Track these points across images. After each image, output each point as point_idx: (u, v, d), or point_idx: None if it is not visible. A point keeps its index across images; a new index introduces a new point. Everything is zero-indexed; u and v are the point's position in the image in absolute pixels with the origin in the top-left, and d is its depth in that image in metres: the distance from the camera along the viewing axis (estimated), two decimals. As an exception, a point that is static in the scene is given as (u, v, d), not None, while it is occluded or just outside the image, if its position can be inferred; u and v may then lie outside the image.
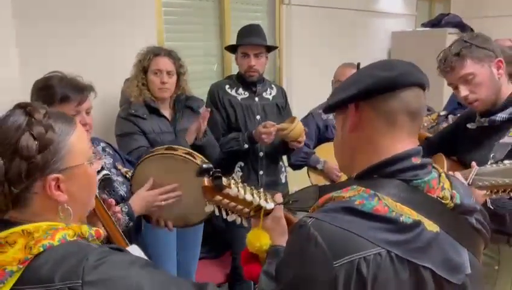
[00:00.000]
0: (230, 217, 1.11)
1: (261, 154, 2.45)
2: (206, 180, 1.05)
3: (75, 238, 0.87)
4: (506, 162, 1.42)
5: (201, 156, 1.79)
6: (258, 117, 2.44)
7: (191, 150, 1.80)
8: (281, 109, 2.56)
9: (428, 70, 3.32)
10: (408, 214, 0.83)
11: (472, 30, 5.07)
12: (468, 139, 1.73)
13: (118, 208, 1.45)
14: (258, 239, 1.08)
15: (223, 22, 3.28)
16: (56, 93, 1.52)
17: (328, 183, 2.75)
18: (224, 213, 1.10)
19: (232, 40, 3.25)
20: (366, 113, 0.91)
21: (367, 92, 0.89)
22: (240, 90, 2.47)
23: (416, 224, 0.83)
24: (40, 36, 2.11)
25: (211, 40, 3.29)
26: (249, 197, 1.07)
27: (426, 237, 0.83)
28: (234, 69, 3.34)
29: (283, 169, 2.63)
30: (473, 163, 1.52)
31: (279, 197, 1.15)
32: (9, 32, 1.69)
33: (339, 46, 4.26)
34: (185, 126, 2.18)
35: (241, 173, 2.43)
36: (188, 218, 1.83)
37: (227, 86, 2.47)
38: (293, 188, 2.41)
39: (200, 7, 3.18)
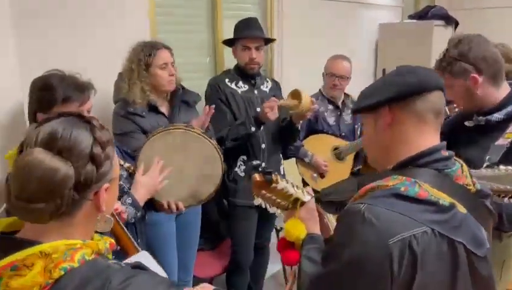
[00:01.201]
0: (272, 210, 1.24)
1: (263, 146, 2.48)
2: (258, 176, 1.20)
3: (93, 256, 0.87)
4: (501, 167, 1.46)
5: (198, 128, 1.85)
6: (258, 109, 2.47)
7: (189, 124, 1.86)
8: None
9: (415, 62, 3.38)
10: (443, 198, 0.97)
11: (457, 23, 5.16)
12: (465, 137, 1.78)
13: (121, 208, 1.45)
14: (296, 229, 1.19)
15: (215, 13, 3.25)
16: (58, 93, 1.51)
17: (315, 174, 2.82)
18: (268, 206, 1.23)
19: (225, 32, 3.24)
20: (398, 114, 1.05)
21: (400, 96, 1.04)
22: (240, 83, 2.49)
23: (452, 206, 0.97)
24: (36, 29, 2.07)
25: (203, 32, 3.26)
26: (292, 190, 1.21)
27: (459, 217, 0.98)
28: (227, 62, 3.34)
29: (281, 161, 2.67)
30: None
31: (310, 190, 1.30)
32: (7, 24, 1.65)
33: (328, 37, 4.27)
34: (181, 121, 2.17)
35: (244, 167, 2.45)
36: (198, 194, 1.90)
37: (226, 80, 2.49)
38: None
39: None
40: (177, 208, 1.83)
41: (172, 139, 1.80)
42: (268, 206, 1.24)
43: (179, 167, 1.80)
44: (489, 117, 1.67)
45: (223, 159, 1.92)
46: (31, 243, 0.83)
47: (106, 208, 0.91)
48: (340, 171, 2.87)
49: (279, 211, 1.26)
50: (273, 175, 1.19)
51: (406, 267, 0.91)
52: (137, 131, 2.05)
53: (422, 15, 4.99)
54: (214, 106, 2.19)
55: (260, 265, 2.83)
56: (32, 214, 0.83)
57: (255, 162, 1.25)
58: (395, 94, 1.04)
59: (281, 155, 2.68)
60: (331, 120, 2.91)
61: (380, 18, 5.18)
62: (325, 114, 2.89)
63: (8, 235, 0.90)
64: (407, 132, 1.05)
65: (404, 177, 0.99)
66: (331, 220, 1.31)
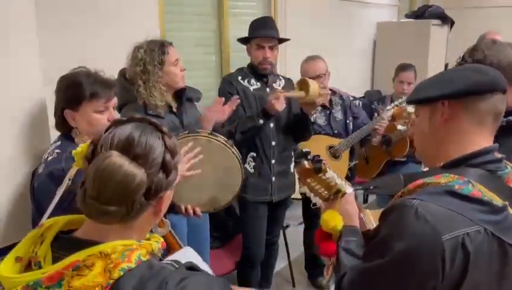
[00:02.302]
0: (314, 200, 1.23)
1: (273, 143, 2.50)
2: (307, 163, 1.18)
3: (148, 257, 0.88)
4: None
5: (221, 136, 1.87)
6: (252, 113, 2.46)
7: (212, 131, 1.87)
8: (288, 98, 2.61)
9: (413, 61, 3.45)
10: (496, 199, 0.96)
11: (453, 22, 5.24)
12: None
13: None
14: (334, 219, 1.18)
15: (221, 12, 3.26)
16: (85, 90, 1.51)
17: None
18: (311, 195, 1.23)
19: (230, 30, 3.26)
20: (458, 110, 1.03)
21: (463, 93, 1.02)
22: (252, 80, 2.50)
23: (504, 208, 0.97)
24: (58, 27, 2.07)
25: (209, 30, 3.28)
26: (338, 181, 1.20)
27: (510, 219, 0.97)
28: (232, 59, 3.36)
29: (292, 158, 2.69)
30: None
31: (349, 183, 1.29)
32: (31, 23, 1.65)
33: (328, 36, 4.31)
34: (189, 119, 2.17)
35: (254, 163, 2.46)
36: (216, 201, 1.91)
37: (239, 77, 2.50)
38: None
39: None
40: (194, 213, 1.83)
41: (196, 145, 1.80)
42: (312, 196, 1.24)
43: (201, 174, 1.80)
44: (510, 118, 1.69)
45: (243, 170, 1.94)
46: (91, 243, 0.85)
47: (163, 213, 0.94)
48: (337, 169, 2.84)
49: (320, 201, 1.25)
50: (322, 164, 1.18)
51: (458, 265, 0.91)
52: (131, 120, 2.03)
53: (419, 14, 5.05)
54: (237, 96, 2.19)
55: (269, 261, 2.85)
56: (105, 215, 0.84)
57: (304, 150, 1.21)
58: (455, 90, 1.02)
59: (292, 153, 2.69)
60: (322, 121, 2.93)
61: (377, 17, 5.24)
62: (315, 115, 2.90)
63: (66, 233, 0.92)
64: (464, 131, 1.04)
65: (456, 176, 0.98)
66: (368, 215, 1.32)
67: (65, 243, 0.88)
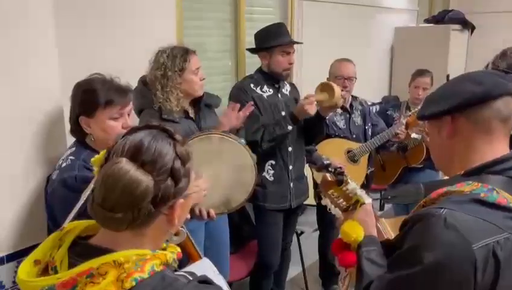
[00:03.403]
0: (334, 211, 1.23)
1: (290, 149, 2.50)
2: (329, 176, 1.21)
3: (161, 267, 0.87)
4: None
5: (234, 135, 1.87)
6: (283, 113, 2.48)
7: (225, 131, 1.87)
8: (297, 102, 2.60)
9: (432, 66, 3.42)
10: None
11: (473, 27, 5.15)
12: None
13: None
14: (354, 231, 1.18)
15: (237, 18, 3.26)
16: (100, 96, 1.52)
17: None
18: (332, 207, 1.24)
19: (248, 35, 3.26)
20: (462, 123, 1.05)
21: (462, 106, 1.03)
22: (265, 87, 2.51)
23: None
24: (75, 32, 2.10)
25: (226, 36, 3.28)
26: (359, 191, 1.21)
27: None
28: (248, 65, 3.36)
29: (305, 163, 2.68)
30: None
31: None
32: (49, 31, 1.67)
33: (345, 41, 4.28)
34: (208, 125, 2.17)
35: (273, 171, 2.45)
36: (230, 201, 1.91)
37: (251, 85, 2.50)
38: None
39: (214, 1, 3.16)
40: (209, 215, 1.83)
41: (209, 145, 1.80)
42: (332, 207, 1.24)
43: (214, 173, 1.81)
44: None
45: (256, 168, 1.92)
46: (104, 251, 0.85)
47: (178, 222, 0.92)
48: (355, 174, 2.85)
49: (340, 212, 1.24)
50: (344, 176, 1.20)
51: (489, 274, 0.91)
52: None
53: (439, 19, 4.98)
54: (251, 102, 2.20)
55: (283, 267, 2.84)
56: (111, 222, 0.84)
57: (326, 162, 1.25)
58: (457, 104, 1.04)
59: (304, 158, 2.68)
60: (341, 123, 2.91)
61: (396, 22, 5.18)
62: (335, 118, 2.89)
63: (83, 239, 0.92)
64: (472, 141, 1.05)
65: (480, 183, 0.99)
66: (384, 223, 1.30)
67: (81, 249, 0.88)
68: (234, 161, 1.87)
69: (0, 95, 1.55)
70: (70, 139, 1.74)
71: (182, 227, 0.96)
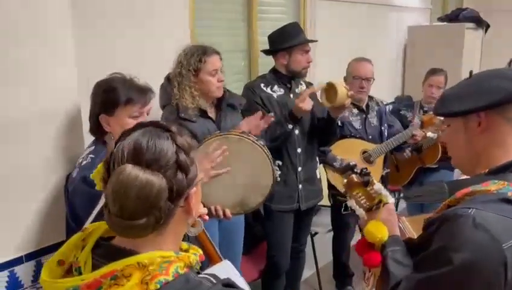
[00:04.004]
0: (358, 211, 1.23)
1: (299, 150, 2.48)
2: (355, 177, 1.22)
3: (185, 270, 0.86)
4: None
5: (253, 136, 1.86)
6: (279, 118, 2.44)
7: (244, 131, 1.86)
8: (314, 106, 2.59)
9: (445, 65, 3.38)
10: None
11: (488, 25, 5.09)
12: None
13: (203, 210, 1.43)
14: (379, 231, 1.18)
15: (250, 18, 3.26)
16: (121, 95, 1.53)
17: (345, 180, 2.76)
18: (356, 207, 1.24)
19: (261, 34, 3.25)
20: (495, 120, 1.06)
21: (500, 103, 1.03)
22: (275, 87, 2.49)
23: None
24: (94, 33, 2.11)
25: (238, 35, 3.28)
26: (384, 191, 1.21)
27: None
28: (261, 65, 3.35)
29: (318, 164, 2.66)
30: None
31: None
32: (67, 31, 1.68)
33: (358, 40, 4.25)
34: (228, 125, 2.17)
35: (279, 172, 2.44)
36: (246, 202, 1.90)
37: (262, 84, 2.48)
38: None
39: (228, 1, 3.16)
40: (224, 215, 1.82)
41: (226, 145, 1.79)
42: (357, 208, 1.24)
43: (231, 174, 1.80)
44: None
45: (274, 171, 1.91)
46: (129, 253, 0.84)
47: (195, 211, 0.91)
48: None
49: (363, 212, 1.24)
50: (370, 177, 1.21)
51: None
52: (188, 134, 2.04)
53: (453, 17, 4.93)
54: (272, 114, 2.19)
55: (296, 269, 2.82)
56: (135, 230, 0.83)
57: (351, 163, 1.24)
58: (496, 100, 1.04)
59: (317, 159, 2.66)
60: (357, 124, 2.88)
61: (409, 21, 5.14)
62: (351, 118, 2.85)
63: (106, 240, 0.92)
64: (503, 138, 1.06)
65: (506, 182, 0.99)
66: (405, 222, 1.30)
67: (104, 250, 0.88)
68: (252, 162, 1.86)
69: (19, 96, 1.56)
70: (88, 138, 1.75)
71: (198, 219, 0.93)
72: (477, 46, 5.07)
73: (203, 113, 2.09)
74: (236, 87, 3.22)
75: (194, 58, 2.01)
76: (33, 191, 1.65)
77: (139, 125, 0.89)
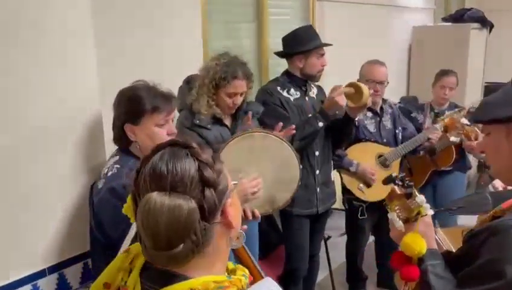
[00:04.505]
0: (398, 223, 1.19)
1: (317, 153, 2.46)
2: (398, 189, 1.18)
3: None
4: None
5: (277, 132, 1.84)
6: (310, 116, 2.43)
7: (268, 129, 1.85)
8: None
9: (451, 66, 3.35)
10: None
11: (492, 25, 5.08)
12: None
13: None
14: (417, 244, 1.14)
15: (261, 19, 3.23)
16: (147, 103, 1.50)
17: (361, 184, 2.75)
18: (397, 219, 1.20)
19: (271, 38, 3.23)
20: None
21: None
22: (292, 90, 2.47)
23: None
24: (112, 41, 2.09)
25: (248, 37, 3.25)
26: (426, 204, 1.17)
27: None
28: (270, 67, 3.32)
29: (332, 167, 2.64)
30: None
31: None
32: (88, 40, 1.64)
33: (362, 42, 4.22)
34: None
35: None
36: (274, 200, 1.87)
37: (278, 88, 2.46)
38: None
39: (238, 3, 3.13)
40: (254, 216, 1.79)
41: (252, 143, 1.77)
42: (397, 220, 1.20)
43: (258, 171, 1.76)
44: None
45: (301, 166, 1.89)
46: (180, 277, 0.81)
47: (235, 222, 0.87)
48: None
49: (402, 224, 1.20)
50: (413, 188, 1.18)
51: None
52: (203, 144, 2.01)
53: (457, 17, 4.92)
54: (293, 126, 2.12)
55: (312, 274, 2.80)
56: (176, 259, 0.79)
57: (393, 174, 1.20)
58: None
59: (332, 163, 2.64)
60: (372, 127, 2.84)
61: (413, 21, 5.12)
62: (365, 122, 2.82)
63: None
64: None
65: None
66: (442, 235, 1.27)
67: (154, 274, 0.84)
68: (278, 159, 1.84)
69: (39, 105, 1.53)
70: (108, 148, 1.72)
71: (240, 231, 0.89)
72: (481, 46, 5.07)
73: (218, 121, 2.08)
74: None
75: (220, 74, 1.98)
76: (54, 203, 1.61)
77: (156, 149, 0.85)
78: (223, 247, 0.87)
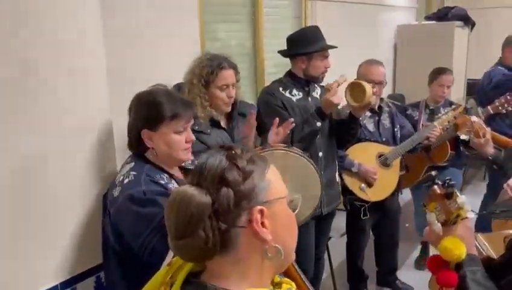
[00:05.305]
0: (437, 226, 1.14)
1: (320, 154, 2.44)
2: (438, 188, 1.11)
3: None
4: None
5: (296, 148, 1.80)
6: (308, 117, 2.41)
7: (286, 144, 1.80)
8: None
9: (437, 64, 3.38)
10: None
11: (474, 23, 5.19)
12: None
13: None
14: (457, 248, 1.09)
15: (256, 19, 3.19)
16: (166, 109, 1.43)
17: (363, 184, 2.74)
18: (436, 221, 1.14)
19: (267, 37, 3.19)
20: None
21: None
22: (294, 91, 2.44)
23: None
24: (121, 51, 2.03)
25: (243, 38, 3.20)
26: (467, 206, 1.12)
27: None
28: (267, 68, 3.28)
29: (336, 167, 2.63)
30: None
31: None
32: (99, 46, 1.57)
33: (350, 41, 4.22)
34: (241, 135, 2.10)
35: None
36: (297, 217, 1.84)
37: (280, 88, 2.43)
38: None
39: (233, 3, 3.08)
40: None
41: (273, 161, 1.73)
42: (435, 222, 1.14)
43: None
44: None
45: (322, 180, 1.86)
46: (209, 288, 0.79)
47: (274, 236, 0.82)
48: (388, 178, 2.81)
49: (440, 227, 1.15)
50: (454, 189, 1.12)
51: None
52: (204, 150, 1.96)
53: (441, 16, 5.00)
54: (292, 119, 2.10)
55: (316, 276, 2.78)
56: (183, 251, 0.80)
57: (433, 173, 1.15)
58: None
59: (336, 163, 2.63)
60: (371, 127, 2.84)
61: (397, 19, 5.17)
62: (364, 121, 2.82)
63: (194, 275, 0.85)
64: None
65: None
66: (482, 240, 1.24)
67: (195, 288, 0.81)
68: (300, 176, 1.80)
69: (50, 115, 1.45)
70: (119, 157, 1.65)
71: (276, 245, 0.85)
72: (464, 44, 5.17)
73: (216, 124, 2.03)
74: (243, 91, 3.15)
75: (207, 70, 1.94)
76: (66, 215, 1.53)
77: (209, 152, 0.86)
78: (255, 258, 0.82)
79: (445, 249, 1.11)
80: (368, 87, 2.28)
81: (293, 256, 0.90)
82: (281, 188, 0.87)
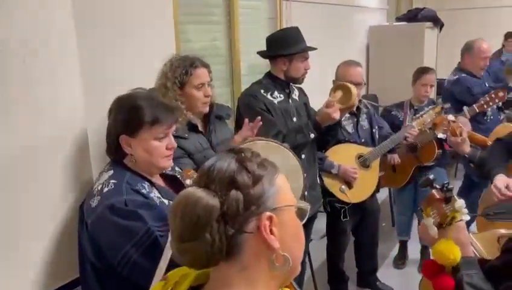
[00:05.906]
0: (432, 229, 1.13)
1: (303, 156, 2.41)
2: (437, 193, 1.11)
3: None
4: None
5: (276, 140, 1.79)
6: (294, 119, 2.41)
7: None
8: (307, 107, 2.58)
9: (408, 64, 3.44)
10: None
11: (443, 24, 5.30)
12: None
13: None
14: (451, 251, 1.08)
15: (232, 20, 3.14)
16: (147, 114, 1.36)
17: (343, 186, 2.73)
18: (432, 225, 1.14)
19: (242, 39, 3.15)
20: None
21: None
22: (275, 93, 2.41)
23: None
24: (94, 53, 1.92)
25: (218, 39, 3.14)
26: (464, 210, 1.11)
27: None
28: (243, 70, 3.23)
29: (317, 169, 2.61)
30: None
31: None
32: (70, 58, 1.49)
33: (323, 42, 4.21)
34: (218, 138, 2.06)
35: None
36: None
37: (262, 90, 2.39)
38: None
39: (208, 4, 3.02)
40: None
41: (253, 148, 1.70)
42: (432, 227, 1.13)
43: None
44: None
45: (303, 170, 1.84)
46: None
47: (282, 245, 0.79)
48: (368, 179, 2.81)
49: (436, 230, 1.14)
50: (452, 193, 1.11)
51: None
52: (184, 156, 1.89)
53: (411, 17, 5.08)
54: (259, 117, 2.09)
55: (301, 278, 2.75)
56: (187, 254, 0.76)
57: (431, 176, 1.14)
58: None
59: (317, 165, 2.61)
60: (350, 128, 2.84)
61: (369, 21, 5.23)
62: (343, 122, 2.81)
63: (196, 288, 0.81)
64: None
65: None
66: (473, 240, 1.23)
67: None
68: (284, 166, 1.75)
69: (22, 124, 1.37)
70: (95, 165, 1.57)
71: (284, 253, 0.81)
72: (433, 44, 5.27)
73: (194, 128, 1.97)
74: (219, 94, 3.09)
75: (180, 70, 1.87)
76: (40, 228, 1.44)
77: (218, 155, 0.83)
78: (262, 267, 0.79)
79: (439, 253, 1.10)
80: (354, 89, 2.30)
81: (299, 267, 0.86)
82: (290, 195, 0.85)
